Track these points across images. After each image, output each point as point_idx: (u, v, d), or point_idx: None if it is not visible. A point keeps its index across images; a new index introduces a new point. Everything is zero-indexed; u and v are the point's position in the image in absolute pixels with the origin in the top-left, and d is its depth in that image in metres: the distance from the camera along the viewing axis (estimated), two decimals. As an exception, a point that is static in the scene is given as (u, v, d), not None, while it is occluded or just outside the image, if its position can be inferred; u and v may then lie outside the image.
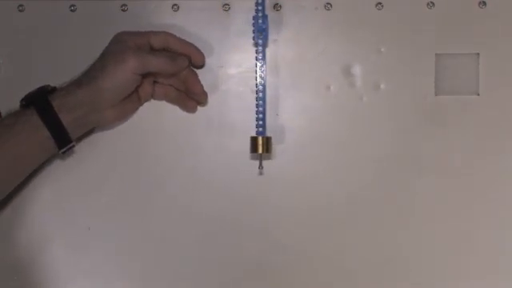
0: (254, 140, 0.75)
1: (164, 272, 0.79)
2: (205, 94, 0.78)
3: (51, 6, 0.79)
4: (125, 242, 0.79)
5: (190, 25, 0.78)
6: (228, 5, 0.79)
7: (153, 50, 0.75)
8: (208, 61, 0.79)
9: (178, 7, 0.79)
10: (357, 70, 0.79)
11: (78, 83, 0.71)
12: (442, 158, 0.78)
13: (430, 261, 0.79)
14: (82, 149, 0.78)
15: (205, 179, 0.79)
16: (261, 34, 0.75)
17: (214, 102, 0.79)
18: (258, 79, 0.75)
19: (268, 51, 0.78)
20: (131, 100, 0.76)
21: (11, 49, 0.79)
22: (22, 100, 0.72)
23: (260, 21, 0.75)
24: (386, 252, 0.79)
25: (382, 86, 0.79)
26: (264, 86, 0.76)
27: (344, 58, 0.79)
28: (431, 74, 0.78)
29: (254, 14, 0.75)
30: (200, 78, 0.78)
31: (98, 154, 0.79)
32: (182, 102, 0.78)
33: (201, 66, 0.78)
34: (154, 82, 0.77)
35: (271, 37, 0.78)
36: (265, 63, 0.75)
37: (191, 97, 0.77)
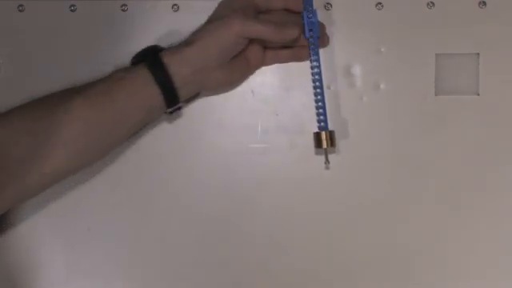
0: (317, 135, 0.75)
1: (164, 272, 0.79)
2: (327, 37, 0.77)
3: (51, 5, 0.79)
4: (125, 242, 0.79)
5: (189, 25, 0.77)
6: (228, 5, 0.79)
7: (260, 11, 0.74)
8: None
9: (178, 7, 0.79)
10: (357, 70, 0.79)
11: (187, 42, 0.72)
12: (442, 158, 0.78)
13: (430, 261, 0.79)
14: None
15: (204, 179, 0.79)
16: (311, 29, 0.74)
17: (214, 102, 0.79)
18: (315, 76, 0.75)
19: (268, 51, 0.78)
20: (240, 64, 0.75)
21: (11, 49, 0.79)
22: (133, 58, 0.73)
23: (310, 15, 0.74)
24: (386, 252, 0.79)
25: (382, 86, 0.79)
26: (321, 80, 0.75)
27: (344, 57, 0.79)
28: (431, 74, 0.78)
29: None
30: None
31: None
32: (295, 56, 0.77)
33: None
34: (265, 50, 0.77)
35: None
36: (319, 58, 0.75)
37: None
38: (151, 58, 0.71)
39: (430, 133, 0.79)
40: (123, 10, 0.79)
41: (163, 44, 0.75)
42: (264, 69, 0.79)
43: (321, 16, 0.78)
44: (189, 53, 0.71)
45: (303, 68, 0.78)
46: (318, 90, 0.75)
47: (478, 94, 0.79)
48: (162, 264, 0.79)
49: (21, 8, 0.79)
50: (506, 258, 0.78)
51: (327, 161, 0.76)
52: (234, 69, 0.75)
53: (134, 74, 0.71)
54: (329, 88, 0.79)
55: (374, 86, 0.79)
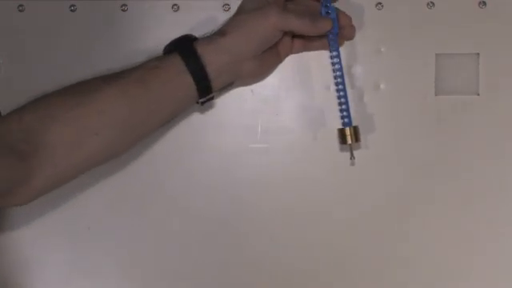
0: (341, 131, 0.75)
1: (164, 272, 0.79)
2: (353, 28, 0.77)
3: (51, 5, 0.79)
4: (125, 241, 0.79)
5: (189, 25, 0.78)
6: (228, 5, 0.79)
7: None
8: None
9: (178, 7, 0.79)
10: (357, 70, 0.79)
11: (220, 32, 0.72)
12: (442, 157, 0.78)
13: (430, 261, 0.79)
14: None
15: (204, 179, 0.79)
16: (334, 31, 0.74)
17: (214, 102, 0.79)
18: (337, 72, 0.75)
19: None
20: (271, 55, 0.75)
21: (11, 49, 0.79)
22: (166, 47, 0.73)
23: (328, 11, 0.74)
24: (386, 252, 0.79)
25: (382, 86, 0.79)
26: (342, 77, 0.75)
27: (344, 57, 0.78)
28: (431, 74, 0.78)
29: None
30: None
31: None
32: (324, 45, 0.77)
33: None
34: (293, 37, 0.77)
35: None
36: (339, 54, 0.75)
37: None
38: (185, 48, 0.71)
39: (430, 133, 0.79)
40: (123, 10, 0.79)
41: (163, 44, 0.74)
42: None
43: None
44: (223, 43, 0.71)
45: (303, 68, 0.78)
46: (341, 87, 0.75)
47: (478, 94, 0.78)
48: (162, 264, 0.79)
49: (21, 8, 0.79)
50: (506, 258, 0.78)
51: (353, 156, 0.75)
52: (266, 60, 0.75)
53: (167, 62, 0.70)
54: (328, 88, 0.79)
55: (374, 86, 0.79)
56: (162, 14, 0.79)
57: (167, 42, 0.76)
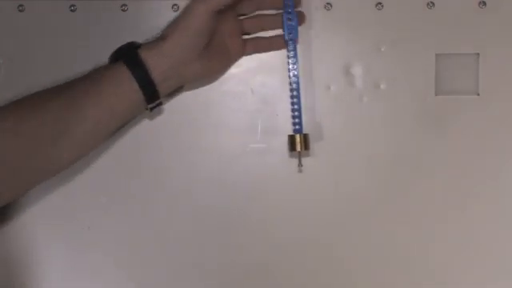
0: (291, 138, 0.75)
1: (164, 272, 0.79)
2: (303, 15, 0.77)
3: (51, 5, 0.79)
4: (125, 241, 0.79)
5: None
6: (228, 5, 0.79)
7: None
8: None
9: (178, 7, 0.79)
10: (357, 70, 0.79)
11: (162, 36, 0.72)
12: (442, 157, 0.79)
13: (430, 261, 0.79)
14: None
15: (204, 179, 0.79)
16: (291, 32, 0.75)
17: (214, 102, 0.79)
18: (292, 78, 0.75)
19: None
20: (220, 55, 0.75)
21: (11, 49, 0.79)
22: (111, 56, 0.73)
23: (289, 18, 0.75)
24: (386, 252, 0.79)
25: (382, 86, 0.79)
26: (298, 83, 0.75)
27: (344, 57, 0.79)
28: (431, 73, 0.78)
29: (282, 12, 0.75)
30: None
31: (98, 153, 0.79)
32: (274, 45, 0.77)
33: None
34: (244, 39, 0.77)
35: (271, 37, 0.79)
36: (297, 61, 0.75)
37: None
38: (128, 55, 0.71)
39: (430, 133, 0.79)
40: (123, 10, 0.79)
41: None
42: (264, 69, 0.79)
43: (321, 16, 0.78)
44: (165, 47, 0.71)
45: (303, 68, 0.78)
46: (295, 93, 0.76)
47: (478, 94, 0.79)
48: (162, 264, 0.79)
49: (21, 8, 0.79)
50: (506, 258, 0.79)
51: (300, 164, 0.76)
52: (214, 60, 0.75)
53: (113, 71, 0.71)
54: (329, 88, 0.79)
55: (374, 86, 0.79)
56: (162, 13, 0.79)
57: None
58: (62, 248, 0.79)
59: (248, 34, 0.78)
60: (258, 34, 0.78)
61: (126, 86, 0.70)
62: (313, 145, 0.78)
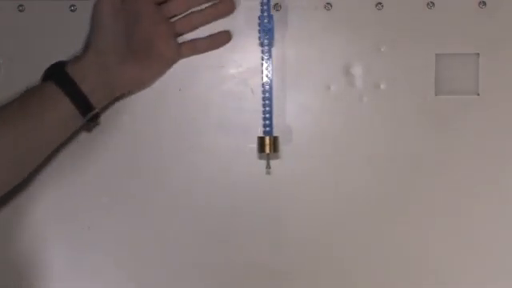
0: (261, 140, 0.75)
1: (164, 272, 0.79)
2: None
3: (51, 5, 0.79)
4: (125, 241, 0.79)
5: (189, 25, 0.78)
6: (228, 5, 0.79)
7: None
8: (208, 61, 0.79)
9: (178, 7, 0.79)
10: (357, 70, 0.79)
11: (84, 48, 0.74)
12: (442, 157, 0.78)
13: (430, 261, 0.79)
14: (82, 148, 0.78)
15: (204, 179, 0.79)
16: (266, 34, 0.75)
17: (214, 102, 0.79)
18: (265, 79, 0.75)
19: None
20: (153, 59, 0.75)
21: (11, 49, 0.79)
22: (41, 77, 0.73)
23: (266, 20, 0.75)
24: (386, 252, 0.79)
25: (382, 86, 0.79)
26: (271, 86, 0.76)
27: (344, 57, 0.79)
28: (431, 73, 0.78)
29: (258, 14, 0.75)
30: (200, 77, 0.78)
31: (98, 153, 0.79)
32: (213, 44, 0.77)
33: None
34: (180, 42, 0.77)
35: (271, 37, 0.79)
36: (271, 63, 0.75)
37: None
38: (56, 72, 0.72)
39: (429, 133, 0.79)
40: (123, 10, 0.79)
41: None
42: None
43: (321, 16, 0.78)
44: (88, 57, 0.72)
45: (303, 68, 0.78)
46: (267, 95, 0.75)
47: (478, 94, 0.78)
48: (162, 264, 0.79)
49: (21, 8, 0.79)
50: (506, 258, 0.78)
51: (268, 166, 0.76)
52: (145, 65, 0.75)
53: (43, 90, 0.71)
54: (329, 88, 0.79)
55: (374, 86, 0.79)
56: (161, 13, 0.79)
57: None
58: (63, 248, 0.79)
59: (182, 34, 0.77)
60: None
61: (59, 102, 0.71)
62: (313, 144, 0.78)
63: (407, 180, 0.79)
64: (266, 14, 0.75)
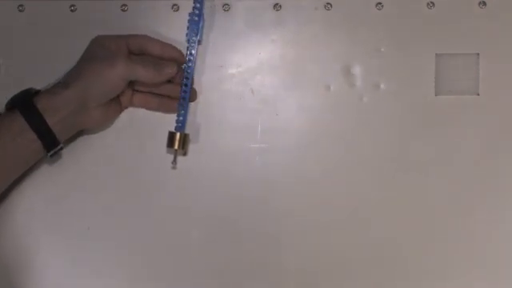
0: (171, 135, 0.76)
1: (164, 272, 0.79)
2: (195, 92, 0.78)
3: (51, 5, 0.79)
4: (125, 241, 0.79)
5: (189, 25, 0.78)
6: (228, 5, 0.79)
7: (132, 53, 0.75)
8: (208, 60, 0.79)
9: (178, 7, 0.79)
10: (357, 70, 0.79)
11: (64, 84, 0.71)
12: (442, 158, 0.79)
13: (430, 261, 0.79)
14: (82, 148, 0.78)
15: (204, 179, 0.79)
16: (196, 33, 0.76)
17: (213, 102, 0.79)
18: (185, 80, 0.76)
19: (267, 51, 0.78)
20: (115, 104, 0.76)
21: (11, 49, 0.79)
22: (7, 104, 0.71)
23: (196, 18, 0.76)
24: (386, 252, 0.79)
25: (382, 86, 0.79)
26: (188, 85, 0.76)
27: (344, 57, 0.79)
28: (431, 74, 0.79)
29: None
30: (199, 77, 0.78)
31: (98, 153, 0.79)
32: (163, 107, 0.78)
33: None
34: (134, 90, 0.77)
35: (271, 36, 0.79)
36: (194, 63, 0.76)
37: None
38: (25, 104, 0.70)
39: (430, 133, 0.79)
40: (123, 10, 0.79)
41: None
42: (264, 69, 0.79)
43: (321, 16, 0.78)
44: (66, 95, 0.70)
45: (303, 68, 0.78)
46: (184, 95, 0.76)
47: (478, 94, 0.79)
48: (162, 264, 0.79)
49: (21, 8, 0.79)
50: (506, 258, 0.78)
51: (175, 161, 0.77)
52: (110, 108, 0.76)
53: (8, 120, 0.69)
54: (329, 88, 0.79)
55: (374, 86, 0.79)
56: (161, 13, 0.79)
57: (167, 41, 0.76)
58: (62, 248, 0.79)
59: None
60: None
61: (24, 135, 0.69)
62: (313, 144, 0.78)
63: (407, 180, 0.79)
64: (197, 12, 0.75)
